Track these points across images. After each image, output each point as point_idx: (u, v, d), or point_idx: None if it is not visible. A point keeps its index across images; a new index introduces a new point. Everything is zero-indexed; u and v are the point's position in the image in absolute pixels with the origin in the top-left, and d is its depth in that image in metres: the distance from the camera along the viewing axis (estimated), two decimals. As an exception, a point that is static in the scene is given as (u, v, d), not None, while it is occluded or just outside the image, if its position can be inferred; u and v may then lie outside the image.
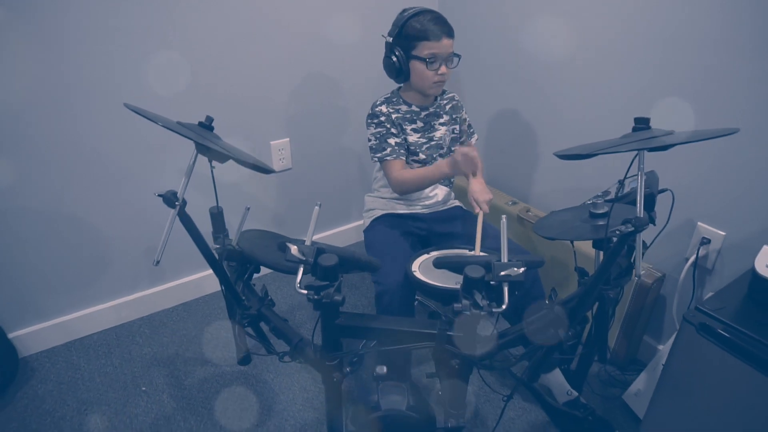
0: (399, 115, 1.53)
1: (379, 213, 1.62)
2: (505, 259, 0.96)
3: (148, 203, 1.80)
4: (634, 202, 0.99)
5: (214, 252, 1.21)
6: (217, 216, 1.36)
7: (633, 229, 0.94)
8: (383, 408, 1.12)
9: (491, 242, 1.34)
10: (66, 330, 1.84)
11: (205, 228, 1.19)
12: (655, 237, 1.35)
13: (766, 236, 1.24)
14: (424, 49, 1.40)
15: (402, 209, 1.61)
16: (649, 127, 0.98)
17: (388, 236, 1.53)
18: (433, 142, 1.57)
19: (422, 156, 1.56)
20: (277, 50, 1.87)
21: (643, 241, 1.28)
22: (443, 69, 1.43)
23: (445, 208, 1.64)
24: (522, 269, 0.93)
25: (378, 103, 1.54)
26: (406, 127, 1.54)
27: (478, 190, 1.41)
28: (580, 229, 1.15)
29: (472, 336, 0.99)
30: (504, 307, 0.93)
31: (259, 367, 1.74)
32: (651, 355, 1.64)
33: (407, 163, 1.55)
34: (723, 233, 1.48)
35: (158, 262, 1.01)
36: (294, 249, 0.96)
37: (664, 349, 1.50)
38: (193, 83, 1.73)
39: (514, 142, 2.06)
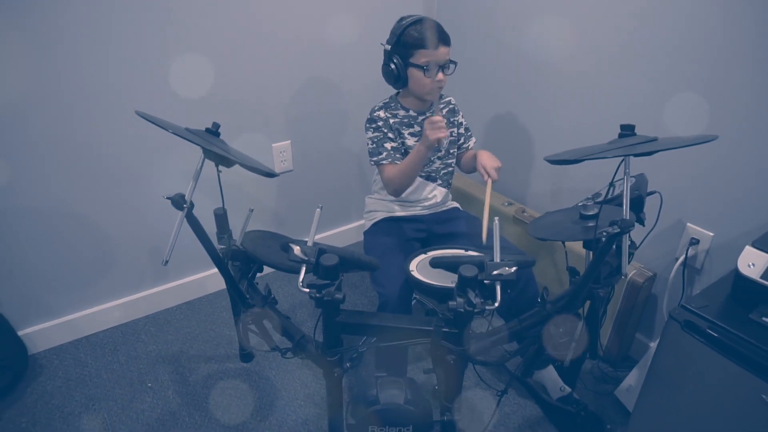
0: (397, 120, 1.58)
1: (379, 216, 1.66)
2: (497, 259, 1.01)
3: (153, 204, 1.84)
4: (623, 204, 1.04)
5: (219, 252, 1.26)
6: (221, 217, 1.41)
7: (619, 230, 0.99)
8: (382, 402, 1.17)
9: (487, 241, 1.39)
10: (73, 328, 1.88)
11: (209, 228, 1.23)
12: (644, 237, 1.40)
13: (750, 237, 1.28)
14: (421, 57, 1.45)
15: (401, 211, 1.65)
16: (634, 134, 1.03)
17: (388, 245, 1.57)
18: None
19: None
20: (279, 55, 1.91)
21: (633, 242, 1.33)
22: (440, 76, 1.48)
23: (444, 209, 1.69)
24: (513, 269, 0.98)
25: (376, 108, 1.59)
26: (404, 131, 1.59)
27: (486, 157, 1.51)
28: (571, 230, 1.20)
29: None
30: (496, 304, 0.98)
31: (261, 364, 1.79)
32: (643, 352, 1.69)
33: None
34: (711, 234, 1.52)
35: (167, 262, 1.06)
36: (297, 249, 1.01)
37: (655, 346, 1.54)
38: (198, 88, 1.78)
39: (510, 145, 2.11)
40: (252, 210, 1.35)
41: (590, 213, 1.19)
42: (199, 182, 1.11)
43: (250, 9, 1.78)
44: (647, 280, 1.63)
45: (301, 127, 2.10)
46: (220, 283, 2.11)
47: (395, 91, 1.63)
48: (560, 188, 1.96)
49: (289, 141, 2.09)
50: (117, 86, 1.64)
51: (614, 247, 1.23)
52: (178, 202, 1.05)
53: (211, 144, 1.05)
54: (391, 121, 1.57)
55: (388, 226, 1.63)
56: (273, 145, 2.06)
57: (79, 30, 1.52)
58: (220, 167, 1.11)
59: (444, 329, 1.05)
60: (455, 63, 1.51)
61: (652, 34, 1.50)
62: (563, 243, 1.43)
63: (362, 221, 1.79)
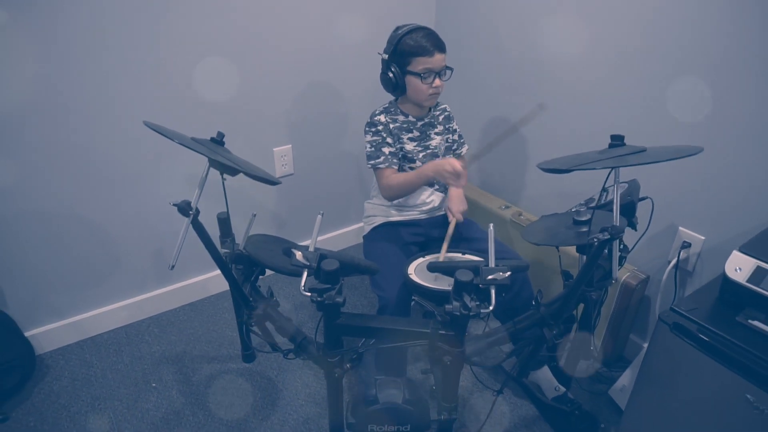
0: (396, 125, 1.62)
1: (378, 221, 1.69)
2: (492, 264, 1.05)
3: (157, 208, 1.89)
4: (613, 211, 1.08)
5: (223, 256, 1.29)
6: (224, 221, 1.45)
7: (609, 236, 1.03)
8: (381, 401, 1.21)
9: (482, 245, 1.43)
10: (78, 329, 1.92)
11: (212, 231, 1.26)
12: (636, 241, 1.44)
13: (739, 240, 1.32)
14: (418, 64, 1.48)
15: (399, 216, 1.69)
16: (623, 144, 1.07)
17: (387, 250, 1.60)
18: (428, 151, 1.66)
19: (418, 163, 1.64)
20: (280, 61, 1.95)
21: (626, 246, 1.38)
22: (437, 82, 1.52)
23: (441, 213, 1.72)
24: (508, 273, 1.01)
25: (377, 112, 1.62)
26: (402, 136, 1.63)
27: (455, 200, 1.58)
28: (564, 235, 1.24)
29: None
30: (491, 308, 1.01)
31: (263, 364, 1.83)
32: (636, 353, 1.73)
33: (404, 170, 1.63)
34: (702, 237, 1.56)
35: (173, 266, 1.10)
36: (299, 255, 1.05)
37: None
38: (200, 93, 1.82)
39: (507, 149, 2.15)
40: (254, 215, 1.38)
41: (583, 219, 1.23)
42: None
43: (253, 17, 1.82)
44: (640, 283, 1.66)
45: (301, 131, 2.13)
46: (222, 285, 2.16)
47: (393, 97, 1.67)
48: (556, 191, 2.00)
49: (290, 145, 2.13)
50: (123, 92, 1.68)
51: (606, 251, 1.27)
52: (184, 208, 1.08)
53: (216, 153, 1.09)
54: (391, 125, 1.60)
55: (386, 230, 1.66)
56: (274, 149, 2.09)
57: (86, 36, 1.56)
58: (225, 175, 1.15)
59: (441, 331, 1.08)
60: (451, 69, 1.55)
61: (646, 43, 1.54)
62: (557, 248, 1.47)
63: (361, 224, 1.83)
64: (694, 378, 1.16)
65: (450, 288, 1.06)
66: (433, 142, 1.67)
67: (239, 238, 1.41)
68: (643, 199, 1.38)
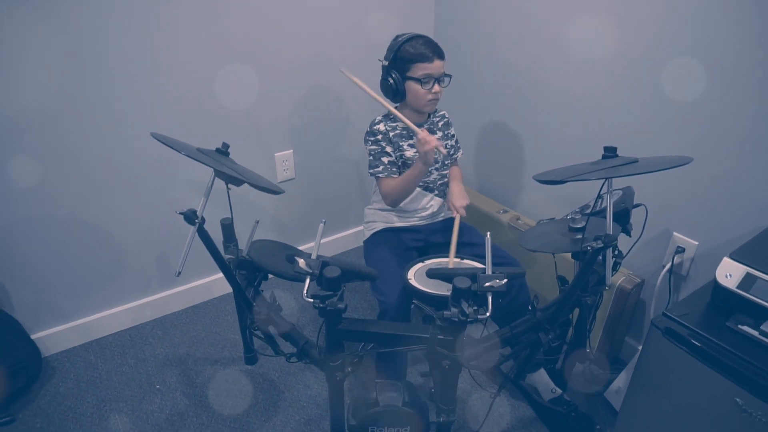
0: (396, 132, 1.65)
1: (378, 226, 1.73)
2: (489, 271, 1.08)
3: (161, 212, 1.92)
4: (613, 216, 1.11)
5: (227, 262, 1.33)
6: (228, 227, 1.48)
7: (603, 245, 1.06)
8: (381, 404, 1.23)
9: (481, 250, 1.46)
10: (84, 331, 1.95)
11: (215, 235, 1.29)
12: (630, 248, 1.47)
13: (731, 245, 1.35)
14: (418, 70, 1.52)
15: (399, 222, 1.72)
16: (616, 155, 1.10)
17: (387, 255, 1.63)
18: (428, 156, 1.69)
19: None
20: (281, 67, 1.98)
21: (620, 252, 1.41)
22: (436, 88, 1.55)
23: (440, 219, 1.76)
24: (504, 281, 1.05)
25: (376, 121, 1.65)
26: (402, 143, 1.66)
27: (456, 194, 1.63)
28: (560, 242, 1.27)
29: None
30: (488, 314, 1.05)
31: (266, 366, 1.86)
32: (632, 355, 1.76)
33: None
34: (696, 242, 1.60)
35: (180, 273, 1.13)
36: (301, 262, 1.08)
37: (642, 349, 1.62)
38: (203, 100, 1.85)
39: (505, 154, 2.18)
40: (258, 221, 1.42)
41: (578, 226, 1.26)
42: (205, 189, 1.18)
43: (256, 25, 1.85)
44: (635, 287, 1.70)
45: (302, 136, 2.17)
46: (224, 288, 2.19)
47: (393, 105, 1.70)
48: (553, 196, 2.03)
49: (291, 150, 2.16)
50: (128, 98, 1.71)
51: (600, 257, 1.30)
52: (190, 217, 1.11)
53: (222, 164, 1.12)
54: (391, 134, 1.63)
55: (386, 236, 1.70)
56: (276, 154, 2.13)
57: (92, 42, 1.59)
58: (230, 185, 1.18)
59: (439, 336, 1.12)
60: (450, 76, 1.58)
61: (641, 52, 1.57)
62: (553, 254, 1.50)
63: (361, 227, 1.86)
64: (685, 382, 1.19)
65: (448, 292, 1.10)
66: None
67: (242, 243, 1.44)
68: (637, 206, 1.41)
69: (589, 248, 1.07)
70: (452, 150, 1.78)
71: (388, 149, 1.62)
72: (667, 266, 1.65)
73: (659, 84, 1.54)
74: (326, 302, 1.07)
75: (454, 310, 1.05)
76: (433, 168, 1.69)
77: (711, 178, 1.50)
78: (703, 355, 1.14)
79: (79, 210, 1.77)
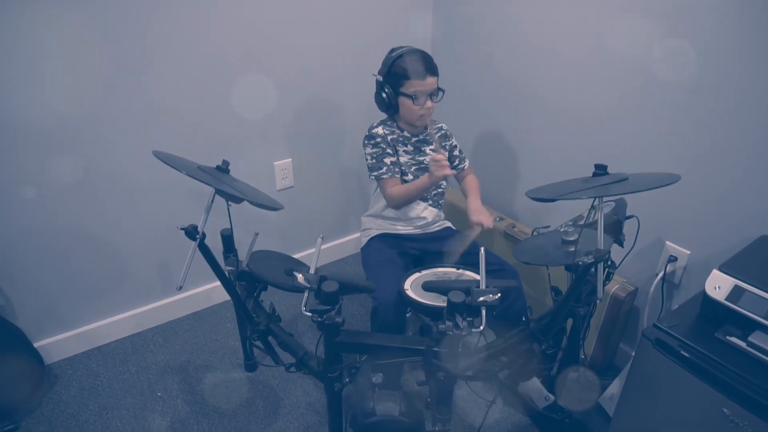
0: (394, 136, 1.67)
1: (375, 233, 1.76)
2: (483, 285, 1.11)
3: (163, 221, 1.95)
4: (605, 228, 1.14)
5: (227, 274, 1.35)
6: (227, 238, 1.51)
7: (594, 260, 1.09)
8: (378, 413, 1.27)
9: (473, 258, 1.49)
10: (86, 339, 1.98)
11: (216, 243, 1.31)
12: (623, 258, 1.50)
13: (723, 255, 1.39)
14: (411, 86, 1.55)
15: (396, 230, 1.75)
16: (607, 173, 1.13)
17: (384, 255, 1.67)
18: (422, 166, 1.71)
19: (410, 177, 1.69)
20: (280, 77, 2.01)
21: (613, 262, 1.44)
22: (428, 104, 1.58)
23: (436, 228, 1.79)
24: (498, 295, 1.07)
25: (375, 125, 1.68)
26: (399, 148, 1.68)
27: (477, 212, 1.60)
28: (553, 255, 1.30)
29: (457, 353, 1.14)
30: (482, 327, 1.08)
31: (265, 373, 1.88)
32: (626, 361, 1.79)
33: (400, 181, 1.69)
34: (688, 252, 1.63)
35: (181, 287, 1.16)
36: (300, 277, 1.11)
37: (635, 357, 1.65)
38: (203, 110, 1.88)
39: (500, 163, 2.21)
40: (257, 234, 1.44)
41: (571, 239, 1.29)
42: (205, 200, 1.21)
43: (255, 37, 1.88)
44: (629, 295, 1.72)
45: (301, 145, 2.19)
46: (224, 295, 2.21)
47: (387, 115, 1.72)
48: (548, 204, 2.05)
49: (290, 159, 2.19)
50: (129, 111, 1.73)
51: (593, 269, 1.33)
52: (191, 233, 1.14)
53: (222, 182, 1.15)
54: (389, 137, 1.66)
55: (383, 239, 1.73)
56: (275, 163, 2.15)
57: (91, 57, 1.61)
58: (230, 202, 1.21)
59: (435, 348, 1.14)
60: (443, 90, 1.60)
61: (633, 67, 1.60)
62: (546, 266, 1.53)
63: (358, 234, 1.89)
64: (675, 391, 1.22)
65: (444, 302, 1.12)
66: (427, 158, 1.72)
67: (243, 252, 1.46)
68: (629, 217, 1.44)
69: (580, 263, 1.10)
70: (455, 161, 1.80)
71: (389, 150, 1.64)
72: (660, 275, 1.68)
73: (652, 97, 1.57)
74: (324, 316, 1.10)
75: (448, 323, 1.08)
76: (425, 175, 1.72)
77: (703, 189, 1.52)
78: (692, 366, 1.17)
79: (81, 220, 1.80)
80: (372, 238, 1.77)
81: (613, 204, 1.46)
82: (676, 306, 1.71)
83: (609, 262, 1.41)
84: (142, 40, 1.67)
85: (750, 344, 1.14)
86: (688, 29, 1.43)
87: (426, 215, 1.74)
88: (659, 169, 1.61)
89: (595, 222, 1.38)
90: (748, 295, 1.17)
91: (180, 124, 1.84)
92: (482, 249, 1.13)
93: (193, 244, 1.15)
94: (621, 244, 1.44)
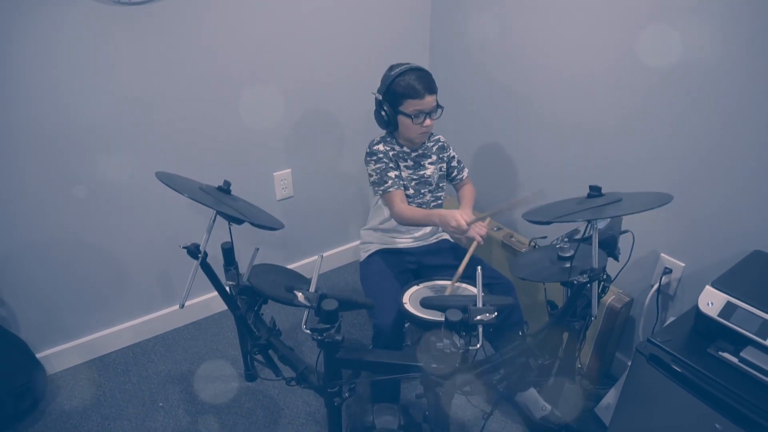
0: (394, 152, 1.69)
1: (374, 248, 1.78)
2: (480, 304, 1.13)
3: (163, 232, 1.97)
4: (600, 243, 1.16)
5: (228, 289, 1.37)
6: (228, 251, 1.53)
7: (588, 279, 1.11)
8: (378, 427, 1.29)
9: (468, 271, 1.52)
10: (87, 349, 2.00)
11: (215, 252, 1.33)
12: (618, 272, 1.52)
13: (716, 268, 1.41)
14: (409, 106, 1.56)
15: (394, 243, 1.77)
16: (601, 194, 1.15)
17: (383, 274, 1.68)
18: (422, 180, 1.73)
19: (411, 191, 1.72)
20: (280, 90, 2.03)
21: (608, 276, 1.46)
22: (428, 122, 1.59)
23: (433, 241, 1.81)
24: (494, 314, 1.10)
25: (375, 142, 1.70)
26: (400, 163, 1.70)
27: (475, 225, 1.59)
28: (549, 271, 1.32)
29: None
30: (479, 345, 1.10)
31: (266, 383, 1.90)
32: (622, 370, 1.81)
33: None
34: (683, 264, 1.65)
35: (183, 305, 1.18)
36: (300, 296, 1.13)
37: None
38: (203, 122, 1.90)
39: (498, 174, 2.23)
40: (257, 249, 1.46)
41: (566, 255, 1.31)
42: (206, 211, 1.22)
43: (254, 49, 1.90)
44: (624, 305, 1.75)
45: (300, 156, 2.21)
46: (224, 304, 2.22)
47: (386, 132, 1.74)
48: (546, 215, 2.08)
49: (290, 169, 2.21)
50: (130, 123, 1.76)
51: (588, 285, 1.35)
52: (193, 251, 1.16)
53: (223, 204, 1.17)
54: (390, 153, 1.68)
55: (382, 257, 1.74)
56: (274, 173, 2.17)
57: (88, 69, 1.63)
58: (231, 224, 1.22)
59: (433, 365, 1.16)
60: (442, 108, 1.62)
61: (629, 81, 1.62)
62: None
63: (357, 242, 1.90)
64: (669, 406, 1.24)
65: (442, 318, 1.14)
66: (427, 171, 1.74)
67: (242, 262, 1.47)
68: (624, 232, 1.46)
69: (575, 282, 1.12)
70: (454, 171, 1.82)
71: (392, 165, 1.66)
72: (655, 287, 1.70)
73: (649, 110, 1.59)
74: (324, 335, 1.12)
75: (446, 342, 1.10)
76: (424, 190, 1.74)
77: (697, 203, 1.54)
78: (684, 381, 1.19)
79: (83, 231, 1.82)
80: (371, 255, 1.78)
81: (608, 219, 1.48)
82: (671, 316, 1.74)
83: (604, 276, 1.43)
84: (142, 48, 1.69)
85: (742, 360, 1.16)
86: (682, 47, 1.45)
87: (425, 227, 1.76)
88: (654, 181, 1.64)
89: (590, 237, 1.41)
90: (740, 311, 1.19)
91: (181, 135, 1.87)
92: (479, 268, 1.15)
93: (195, 263, 1.17)
94: (616, 258, 1.46)
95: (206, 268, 1.20)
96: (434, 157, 1.77)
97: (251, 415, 1.79)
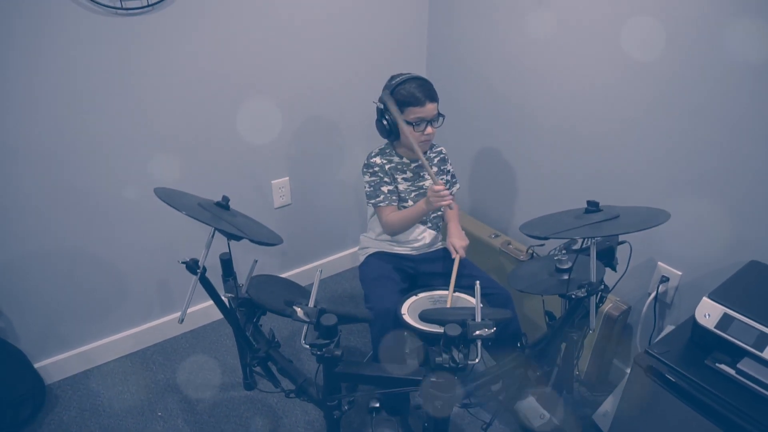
0: (392, 165, 1.70)
1: (372, 250, 1.79)
2: (478, 318, 1.13)
3: (162, 241, 1.96)
4: (598, 254, 1.16)
5: (227, 301, 1.38)
6: (226, 262, 1.53)
7: (586, 294, 1.11)
8: (377, 440, 1.29)
9: (466, 281, 1.54)
10: (85, 358, 1.99)
11: (213, 262, 1.32)
12: (616, 283, 1.53)
13: (713, 277, 1.42)
14: (411, 113, 1.57)
15: (393, 250, 1.78)
16: (599, 210, 1.16)
17: (381, 271, 1.69)
18: (421, 191, 1.74)
19: (410, 203, 1.72)
20: (278, 99, 2.03)
21: (606, 286, 1.47)
22: (429, 130, 1.60)
23: (432, 250, 1.81)
24: (493, 329, 1.10)
25: (373, 154, 1.71)
26: (397, 176, 1.71)
27: (455, 235, 1.67)
28: (547, 283, 1.33)
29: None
30: (477, 360, 1.10)
31: (264, 392, 1.90)
32: (620, 377, 1.82)
33: (398, 208, 1.72)
34: (680, 273, 1.66)
35: (182, 320, 1.18)
36: (299, 312, 1.13)
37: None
38: (203, 130, 1.90)
39: (497, 181, 2.24)
40: (256, 261, 1.46)
41: (564, 267, 1.32)
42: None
43: (252, 58, 1.90)
44: (622, 313, 1.75)
45: (298, 164, 2.21)
46: (223, 312, 2.23)
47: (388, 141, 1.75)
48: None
49: (288, 177, 2.21)
50: (129, 134, 1.75)
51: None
52: (192, 267, 1.16)
53: (221, 220, 1.17)
54: (387, 166, 1.69)
55: (380, 257, 1.76)
56: (272, 181, 2.17)
57: (86, 82, 1.63)
58: (230, 240, 1.23)
59: (432, 379, 1.17)
60: (443, 116, 1.63)
61: (628, 91, 1.63)
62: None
63: (356, 248, 1.91)
64: (666, 416, 1.25)
65: (440, 329, 1.15)
66: (427, 183, 1.75)
67: (240, 272, 1.47)
68: (622, 243, 1.47)
69: (573, 296, 1.12)
70: (447, 185, 1.82)
71: (387, 179, 1.67)
72: (653, 295, 1.71)
73: (649, 119, 1.60)
74: (323, 350, 1.12)
75: (445, 356, 1.10)
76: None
77: (694, 213, 1.55)
78: (682, 393, 1.20)
79: (81, 240, 1.81)
80: (369, 255, 1.79)
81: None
82: (668, 324, 1.75)
83: (602, 286, 1.44)
84: (142, 55, 1.69)
85: (739, 371, 1.17)
86: (682, 57, 1.46)
87: (425, 237, 1.77)
88: (652, 190, 1.64)
89: (588, 248, 1.42)
90: (737, 323, 1.20)
91: (179, 145, 1.86)
92: (477, 283, 1.16)
93: (194, 278, 1.17)
94: (614, 269, 1.47)
95: (205, 282, 1.20)
96: (435, 169, 1.77)
97: (250, 424, 1.79)
